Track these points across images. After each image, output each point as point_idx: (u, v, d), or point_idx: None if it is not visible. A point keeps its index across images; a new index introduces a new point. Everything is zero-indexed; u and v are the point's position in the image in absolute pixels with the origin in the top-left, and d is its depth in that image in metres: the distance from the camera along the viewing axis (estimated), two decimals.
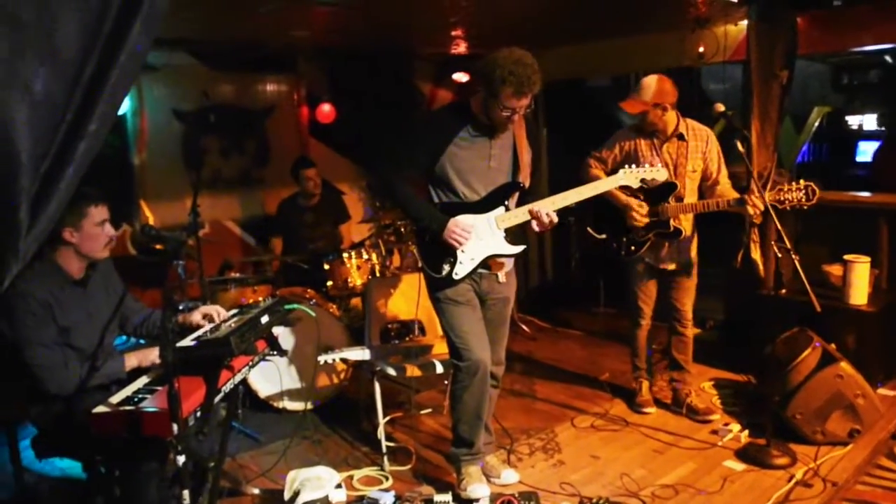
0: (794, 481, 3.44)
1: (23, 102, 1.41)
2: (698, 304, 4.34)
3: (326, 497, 3.22)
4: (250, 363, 2.79)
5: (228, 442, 3.19)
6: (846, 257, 4.49)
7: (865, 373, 3.86)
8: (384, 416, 3.93)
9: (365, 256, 5.12)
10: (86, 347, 2.85)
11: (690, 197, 4.01)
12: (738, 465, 3.64)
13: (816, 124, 7.34)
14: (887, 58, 7.88)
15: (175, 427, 2.16)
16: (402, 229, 5.49)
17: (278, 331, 2.99)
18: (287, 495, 3.25)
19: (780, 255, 3.62)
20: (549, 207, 3.17)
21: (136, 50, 1.54)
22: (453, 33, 5.63)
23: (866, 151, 8.25)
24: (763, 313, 4.83)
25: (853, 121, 8.63)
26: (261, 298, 4.35)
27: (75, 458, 2.94)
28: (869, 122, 8.50)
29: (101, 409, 2.39)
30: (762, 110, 4.68)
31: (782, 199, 3.67)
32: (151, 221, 5.66)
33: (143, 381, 2.66)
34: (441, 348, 3.97)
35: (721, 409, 4.36)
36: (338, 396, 4.59)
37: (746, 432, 3.97)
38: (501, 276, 3.39)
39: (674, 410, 4.33)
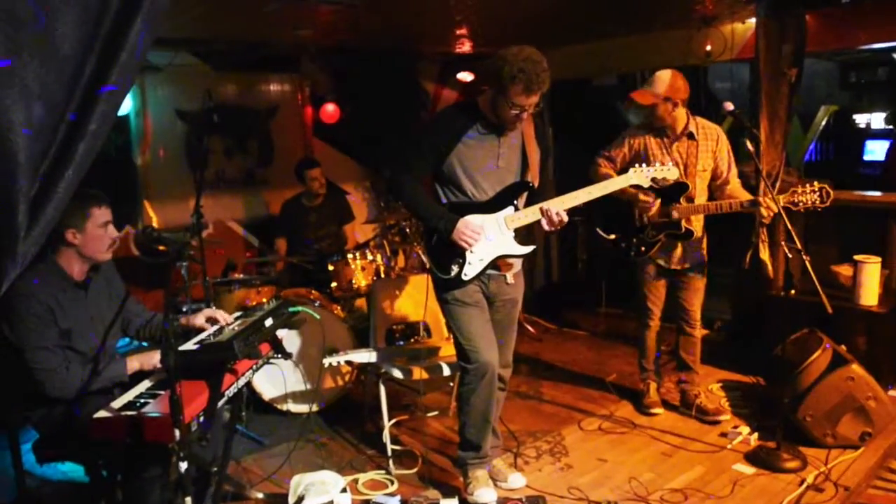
0: (805, 485, 3.39)
1: (20, 102, 1.38)
2: (706, 304, 4.30)
3: (331, 502, 3.18)
4: (254, 367, 2.75)
5: (232, 445, 3.16)
6: (856, 257, 4.44)
7: (877, 375, 3.81)
8: (389, 418, 3.89)
9: (370, 257, 5.08)
10: (87, 350, 2.81)
11: (701, 197, 3.96)
12: (748, 469, 3.60)
13: (823, 123, 7.31)
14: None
15: (177, 433, 2.12)
16: (407, 230, 5.46)
17: (282, 333, 2.96)
18: (291, 500, 3.21)
19: (790, 256, 3.57)
20: (559, 207, 3.12)
21: (136, 48, 1.51)
22: (458, 32, 5.59)
23: (874, 150, 8.18)
24: (772, 314, 4.79)
25: (861, 119, 8.56)
26: (265, 300, 4.34)
27: (77, 462, 2.91)
28: (877, 120, 8.43)
29: (102, 413, 2.35)
30: (770, 109, 4.65)
31: (796, 201, 3.64)
32: (155, 222, 5.64)
33: (145, 385, 2.63)
34: (447, 350, 3.93)
35: (730, 410, 4.31)
36: (342, 398, 4.55)
37: (756, 435, 3.93)
38: (510, 278, 3.35)
39: (682, 412, 4.28)
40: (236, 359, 2.45)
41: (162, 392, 2.49)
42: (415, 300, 4.34)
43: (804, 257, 3.39)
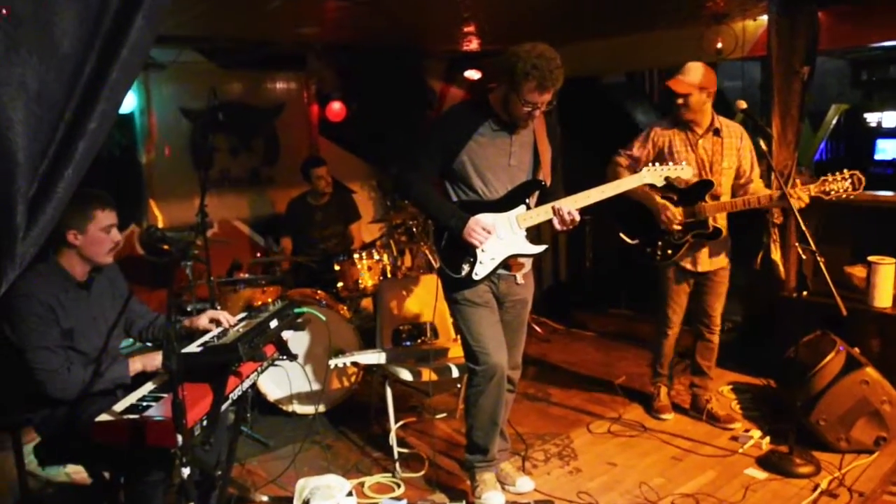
0: (818, 491, 3.34)
1: (19, 100, 1.34)
2: None
3: None
4: (259, 369, 2.71)
5: (236, 447, 3.12)
6: (870, 258, 4.37)
7: (891, 378, 3.74)
8: (396, 420, 3.85)
9: (376, 257, 5.04)
10: (89, 351, 2.78)
11: (725, 195, 3.86)
12: (760, 474, 3.54)
13: (834, 122, 7.23)
14: None
15: (180, 438, 2.07)
16: (414, 229, 5.41)
17: (288, 334, 2.92)
18: None
19: (804, 257, 3.50)
20: (571, 206, 3.07)
21: (138, 45, 1.47)
22: (465, 29, 5.54)
23: (885, 149, 8.10)
24: (783, 316, 4.72)
25: (872, 118, 8.47)
26: (270, 300, 4.29)
27: (79, 465, 2.87)
28: (888, 119, 8.33)
29: (104, 417, 2.31)
30: (783, 107, 4.59)
31: (828, 189, 3.55)
32: (160, 221, 5.61)
33: (148, 387, 2.59)
34: (455, 351, 3.89)
35: (741, 413, 4.26)
36: (348, 399, 4.51)
37: (768, 439, 3.87)
38: (520, 278, 3.30)
39: (692, 415, 4.23)
40: (240, 361, 2.41)
41: (165, 395, 2.44)
42: (421, 300, 4.30)
43: (818, 258, 3.32)
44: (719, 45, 5.25)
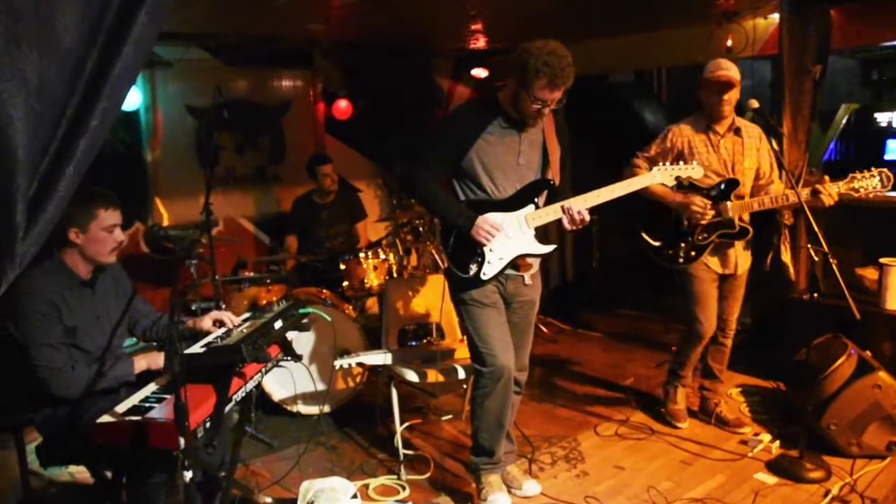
0: (829, 497, 3.28)
1: (19, 97, 1.31)
2: None
3: None
4: (263, 370, 2.67)
5: (240, 448, 3.09)
6: (882, 260, 4.31)
7: None
8: (402, 421, 3.81)
9: (382, 256, 5.00)
10: (93, 350, 2.76)
11: (746, 196, 3.76)
12: (770, 479, 3.49)
13: (844, 121, 7.16)
14: None
15: (182, 441, 2.04)
16: (420, 228, 5.38)
17: (293, 334, 2.88)
18: None
19: (816, 259, 3.45)
20: (581, 205, 3.03)
21: (141, 41, 1.43)
22: (473, 27, 5.50)
23: (895, 150, 8.03)
24: (793, 318, 4.67)
25: (882, 118, 8.39)
26: (275, 299, 4.26)
27: (81, 465, 2.85)
28: None
29: (105, 418, 2.28)
30: (794, 106, 4.54)
31: (856, 187, 3.48)
32: (165, 219, 5.58)
33: (151, 387, 2.56)
34: (461, 352, 3.85)
35: (750, 417, 4.21)
36: (353, 400, 4.47)
37: (777, 443, 3.82)
38: (528, 278, 3.26)
39: (701, 418, 4.17)
40: (244, 362, 2.37)
41: (168, 396, 2.42)
42: (428, 300, 4.26)
43: (831, 260, 3.27)
44: (729, 44, 5.20)
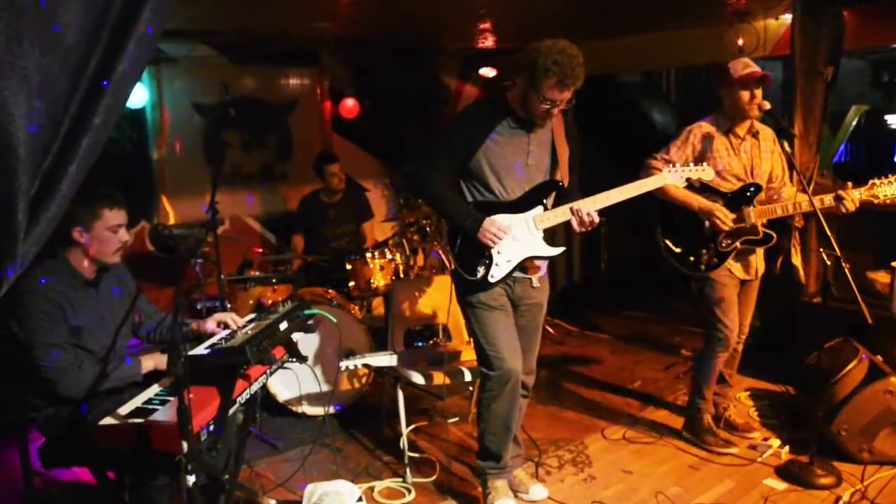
0: (840, 503, 3.24)
1: (21, 94, 1.29)
2: None
3: None
4: (268, 371, 2.65)
5: (245, 449, 3.06)
6: (894, 264, 4.26)
7: None
8: (407, 423, 3.78)
9: (388, 256, 4.96)
10: (97, 350, 2.75)
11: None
12: (780, 484, 3.45)
13: (854, 123, 7.11)
14: None
15: (185, 445, 2.01)
16: (427, 228, 5.34)
17: (298, 335, 2.85)
18: None
19: (828, 263, 3.40)
20: (590, 207, 2.99)
21: (145, 38, 1.41)
22: (481, 26, 5.46)
23: None
24: (803, 321, 4.62)
25: (892, 120, 8.33)
26: (281, 298, 4.24)
27: (83, 466, 2.83)
28: None
29: (108, 420, 2.26)
30: (805, 108, 4.49)
31: (877, 193, 3.40)
32: (171, 217, 5.56)
33: (154, 389, 2.54)
34: (468, 354, 3.81)
35: (759, 421, 4.17)
36: (358, 401, 4.44)
37: (787, 448, 3.77)
38: (535, 281, 3.22)
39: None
40: (249, 364, 2.35)
41: (172, 398, 2.39)
42: (434, 301, 4.22)
43: (843, 264, 3.23)
44: (740, 44, 5.15)
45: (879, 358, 3.82)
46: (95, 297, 2.79)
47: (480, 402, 3.23)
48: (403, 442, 3.72)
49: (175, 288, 2.64)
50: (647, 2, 4.69)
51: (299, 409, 4.34)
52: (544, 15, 4.86)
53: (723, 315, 3.73)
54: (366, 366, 3.97)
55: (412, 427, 3.95)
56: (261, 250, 5.53)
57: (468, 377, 3.74)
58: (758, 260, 3.79)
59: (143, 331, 3.03)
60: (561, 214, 3.04)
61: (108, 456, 2.46)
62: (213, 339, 2.70)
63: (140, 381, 2.74)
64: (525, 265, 3.13)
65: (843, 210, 3.41)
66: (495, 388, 3.12)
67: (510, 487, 3.33)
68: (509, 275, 3.08)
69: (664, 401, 4.50)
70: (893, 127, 8.33)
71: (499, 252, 3.04)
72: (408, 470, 3.65)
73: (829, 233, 3.29)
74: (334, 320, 3.05)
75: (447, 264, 4.95)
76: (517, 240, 3.06)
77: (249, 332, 2.57)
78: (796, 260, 4.54)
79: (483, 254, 3.04)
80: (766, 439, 3.89)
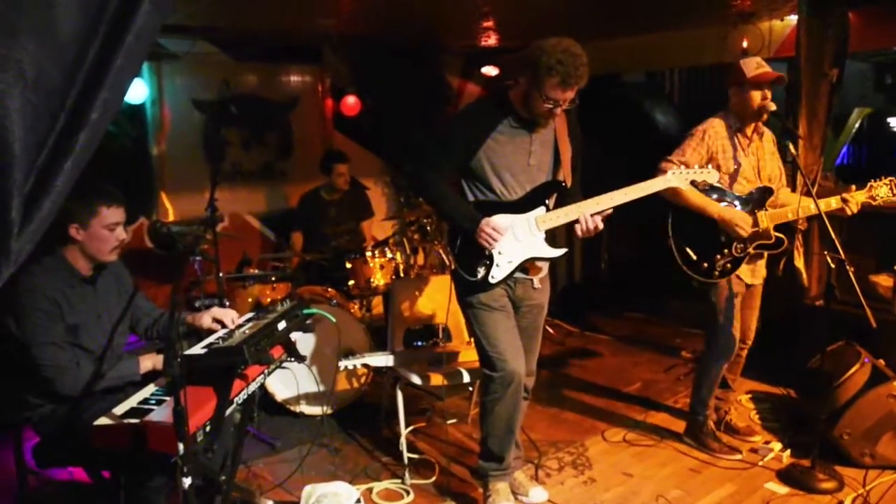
0: None
1: (16, 88, 1.26)
2: None
3: None
4: (266, 371, 2.61)
5: (242, 449, 3.03)
6: None
7: None
8: (406, 424, 3.75)
9: (389, 255, 4.93)
10: (95, 348, 2.72)
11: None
12: (781, 488, 3.42)
13: (857, 126, 7.08)
14: None
15: (181, 446, 1.98)
16: (428, 227, 5.31)
17: (296, 334, 2.82)
18: None
19: (833, 266, 3.37)
20: (594, 208, 2.96)
21: (144, 32, 1.38)
22: (484, 24, 5.43)
23: None
24: (805, 324, 4.59)
25: (895, 123, 8.31)
26: (280, 297, 4.21)
27: (78, 465, 2.80)
28: None
29: (103, 421, 2.23)
30: (809, 110, 4.46)
31: (875, 195, 3.42)
32: (171, 214, 5.53)
33: (150, 389, 2.51)
34: (468, 355, 3.78)
35: (760, 424, 4.14)
36: (357, 401, 4.41)
37: (788, 452, 3.75)
38: (537, 282, 3.19)
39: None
40: (246, 364, 2.31)
41: (168, 397, 2.36)
42: (434, 301, 4.19)
43: (848, 267, 3.20)
44: (745, 45, 5.12)
45: (882, 362, 3.79)
46: (93, 295, 2.76)
47: (483, 404, 3.20)
48: (402, 443, 3.69)
49: (173, 285, 2.60)
50: (651, 2, 4.67)
51: (297, 409, 4.30)
52: (547, 14, 4.83)
53: (728, 322, 3.68)
54: (365, 365, 3.94)
55: (411, 428, 3.92)
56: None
57: (467, 378, 3.71)
58: (763, 264, 3.76)
59: (140, 328, 3.00)
60: (563, 216, 3.00)
61: (103, 456, 2.43)
62: (211, 339, 2.67)
63: (138, 381, 2.71)
64: (526, 266, 3.09)
65: (848, 213, 3.40)
66: (498, 390, 3.09)
67: (510, 490, 3.30)
68: (510, 276, 3.05)
69: (665, 403, 4.47)
70: None
71: (500, 253, 3.00)
72: (407, 471, 3.62)
73: (833, 235, 3.26)
74: (333, 320, 3.02)
75: (447, 263, 4.92)
76: (519, 240, 3.03)
77: (247, 331, 2.53)
78: (799, 263, 4.50)
79: (484, 254, 3.01)
80: (767, 443, 3.87)
